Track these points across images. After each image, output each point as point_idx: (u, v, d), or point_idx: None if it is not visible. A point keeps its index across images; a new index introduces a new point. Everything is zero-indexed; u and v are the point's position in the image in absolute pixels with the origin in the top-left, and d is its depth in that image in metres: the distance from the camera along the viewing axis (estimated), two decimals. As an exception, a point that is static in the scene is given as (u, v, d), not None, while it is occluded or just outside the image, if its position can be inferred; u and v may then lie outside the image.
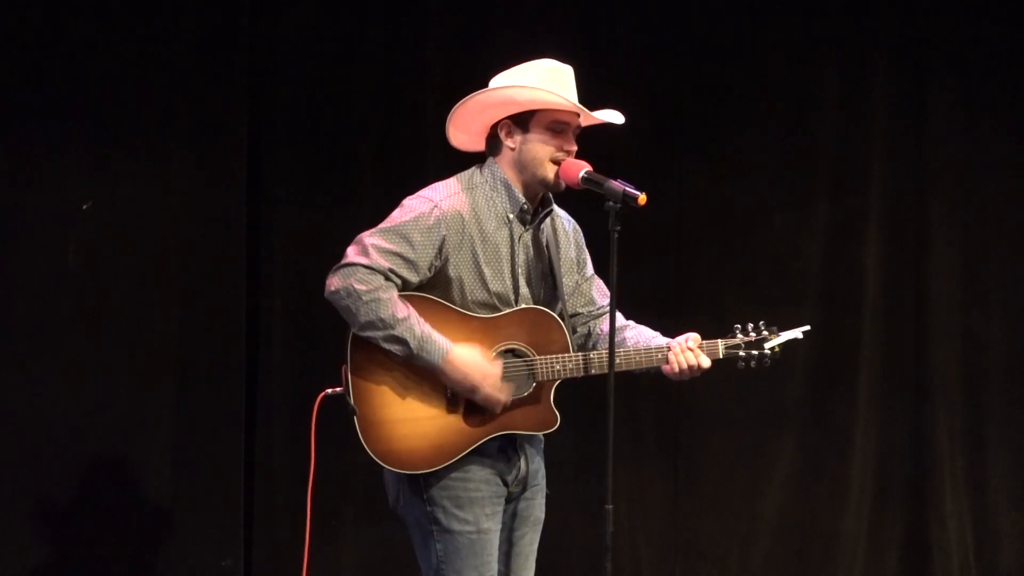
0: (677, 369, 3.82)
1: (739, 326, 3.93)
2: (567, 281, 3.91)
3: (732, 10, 5.94)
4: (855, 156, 6.03)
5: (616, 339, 3.75)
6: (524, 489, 3.86)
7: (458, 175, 3.82)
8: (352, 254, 3.67)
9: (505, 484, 3.79)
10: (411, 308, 3.66)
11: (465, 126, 3.83)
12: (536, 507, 3.91)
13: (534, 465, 3.87)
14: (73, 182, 5.37)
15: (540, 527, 3.94)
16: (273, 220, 5.57)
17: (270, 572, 5.53)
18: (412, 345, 3.63)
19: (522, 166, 3.79)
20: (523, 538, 3.88)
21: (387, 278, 3.65)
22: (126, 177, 5.41)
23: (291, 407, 5.47)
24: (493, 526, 3.76)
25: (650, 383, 5.49)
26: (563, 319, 3.83)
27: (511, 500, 3.84)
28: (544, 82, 3.75)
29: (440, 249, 3.70)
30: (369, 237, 3.68)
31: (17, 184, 5.32)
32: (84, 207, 5.36)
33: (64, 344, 5.34)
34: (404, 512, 3.79)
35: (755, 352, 3.91)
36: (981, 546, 6.07)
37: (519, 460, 3.82)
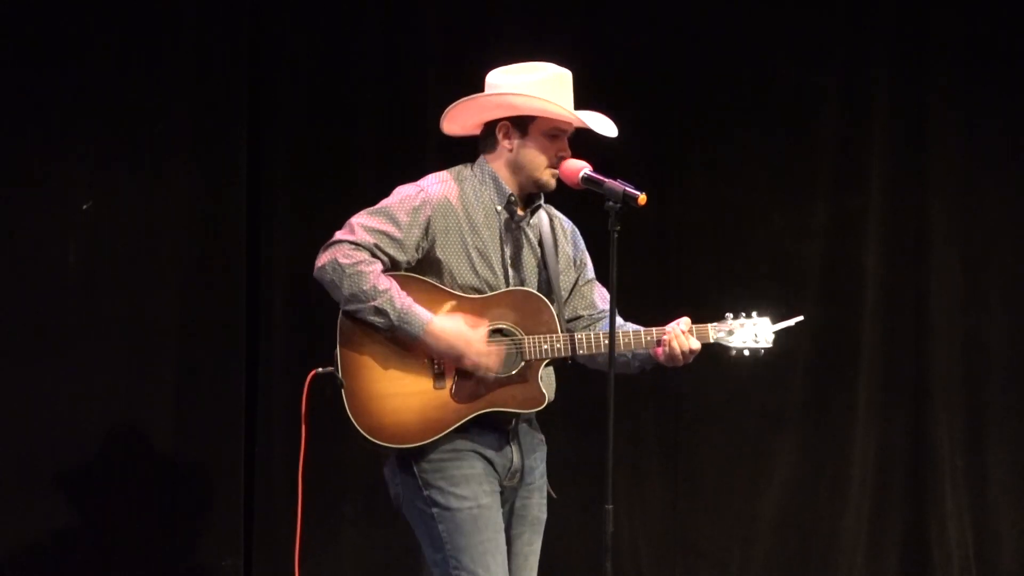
0: (670, 352, 3.82)
1: (731, 313, 3.95)
2: (564, 278, 3.93)
3: (732, 10, 5.94)
4: (855, 156, 6.03)
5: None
6: (520, 486, 3.86)
7: (446, 170, 3.89)
8: (339, 234, 3.76)
9: (497, 472, 3.80)
10: (393, 282, 3.71)
11: (461, 120, 3.90)
12: (533, 507, 3.91)
13: (530, 462, 3.88)
14: (73, 182, 5.37)
15: (541, 528, 3.94)
16: (273, 220, 5.57)
17: (270, 572, 5.53)
18: (392, 316, 3.67)
19: (517, 167, 3.84)
20: (520, 537, 3.89)
21: (372, 254, 3.72)
22: (126, 177, 5.41)
23: (291, 407, 5.43)
24: (493, 503, 3.77)
25: (650, 383, 5.50)
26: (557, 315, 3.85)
27: (506, 496, 3.85)
28: (547, 89, 3.80)
29: (427, 230, 3.76)
30: (356, 218, 3.78)
31: (17, 184, 5.32)
32: (84, 207, 5.36)
33: (64, 343, 5.34)
34: (405, 506, 3.82)
35: (747, 340, 3.92)
36: (981, 546, 6.07)
37: (511, 451, 3.83)
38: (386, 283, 3.69)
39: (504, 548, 3.78)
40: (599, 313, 4.00)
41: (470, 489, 3.74)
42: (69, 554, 5.36)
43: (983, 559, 6.07)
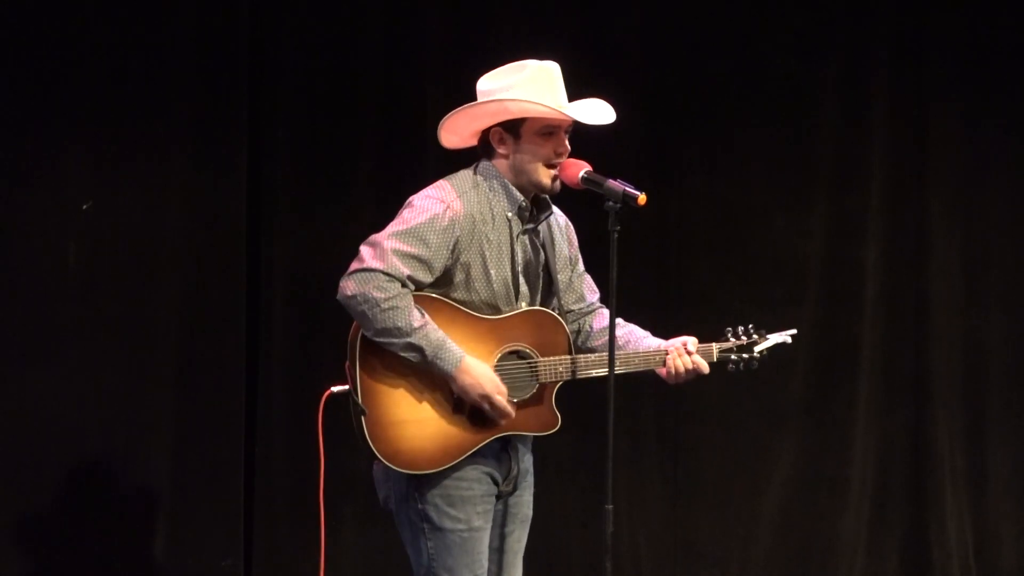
0: (675, 373, 3.84)
1: (730, 329, 3.99)
2: (561, 278, 3.94)
3: (732, 9, 5.94)
4: (855, 156, 6.03)
5: (607, 337, 3.77)
6: (515, 488, 3.88)
7: (454, 177, 3.83)
8: (369, 258, 3.66)
9: (496, 483, 3.82)
10: (427, 316, 3.67)
11: (457, 132, 3.86)
12: (524, 505, 3.93)
13: (524, 464, 3.90)
14: (73, 182, 5.36)
15: (528, 525, 3.96)
16: (273, 220, 5.57)
17: (270, 572, 5.53)
18: (428, 353, 3.64)
19: (517, 171, 3.81)
20: (512, 535, 3.91)
21: (404, 285, 3.66)
22: (126, 177, 5.41)
23: (291, 407, 5.47)
24: (484, 524, 3.78)
25: (650, 383, 5.49)
26: (562, 318, 3.85)
27: (500, 498, 3.86)
28: (533, 87, 3.75)
29: (453, 249, 3.72)
30: (387, 241, 3.66)
31: (17, 184, 5.32)
32: (84, 207, 5.36)
33: (64, 344, 5.33)
34: (396, 510, 3.82)
35: (745, 356, 3.96)
36: (981, 546, 6.07)
37: (511, 461, 3.84)
38: (421, 319, 3.65)
39: (486, 565, 3.80)
40: (588, 306, 4.01)
41: (464, 511, 3.74)
42: (69, 554, 5.36)
43: (983, 559, 6.07)
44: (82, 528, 5.37)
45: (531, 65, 3.80)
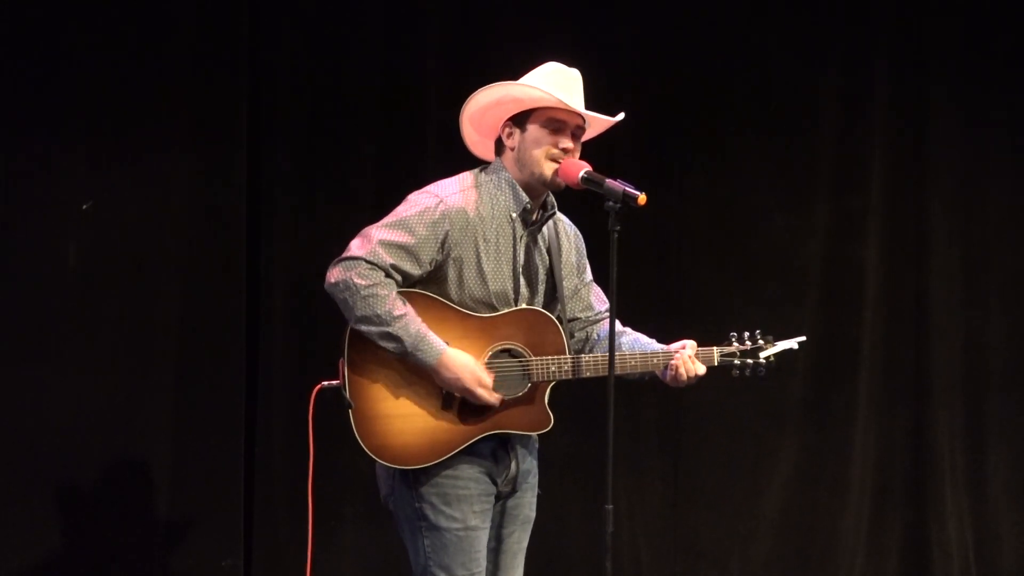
0: (674, 376, 3.84)
1: (735, 334, 3.98)
2: (567, 284, 3.93)
3: (732, 10, 5.94)
4: (855, 156, 6.04)
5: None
6: (515, 489, 3.87)
7: (456, 176, 3.86)
8: (355, 247, 3.70)
9: (494, 483, 3.82)
10: (408, 306, 3.68)
11: (477, 127, 3.88)
12: (526, 506, 3.93)
13: (525, 465, 3.89)
14: (73, 182, 5.37)
15: (530, 526, 3.96)
16: (273, 220, 5.57)
17: (270, 572, 5.53)
18: (407, 344, 3.65)
19: (522, 164, 3.82)
20: (511, 536, 3.91)
21: (388, 274, 3.68)
22: (126, 177, 5.41)
23: (291, 407, 5.46)
24: (481, 524, 3.78)
25: (650, 382, 5.50)
26: (561, 321, 3.85)
27: (500, 499, 3.86)
28: (546, 82, 3.79)
29: (443, 244, 3.73)
30: (374, 231, 3.71)
31: (17, 184, 5.32)
32: (84, 207, 5.36)
33: (64, 344, 5.34)
34: (394, 506, 3.83)
35: (750, 361, 3.95)
36: (981, 546, 6.07)
37: (510, 461, 3.84)
38: (402, 308, 3.66)
39: (484, 564, 3.81)
40: (596, 315, 4.01)
41: (460, 510, 3.75)
42: (69, 554, 5.36)
43: (983, 559, 6.07)
44: (82, 528, 5.37)
45: (554, 64, 3.84)
